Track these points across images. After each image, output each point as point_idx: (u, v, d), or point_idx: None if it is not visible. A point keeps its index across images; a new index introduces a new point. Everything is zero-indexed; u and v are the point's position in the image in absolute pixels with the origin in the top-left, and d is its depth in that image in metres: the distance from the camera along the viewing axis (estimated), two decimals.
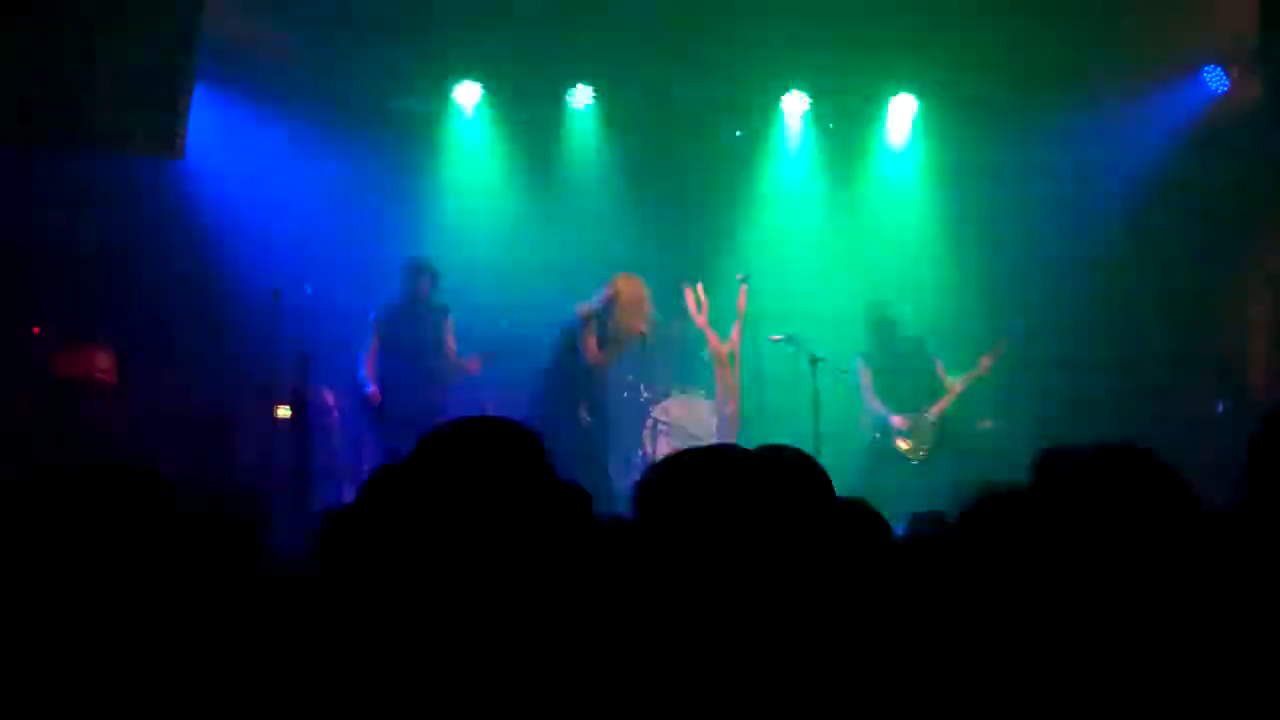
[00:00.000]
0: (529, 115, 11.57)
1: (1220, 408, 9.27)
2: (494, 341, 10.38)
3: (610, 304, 9.29)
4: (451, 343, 9.94)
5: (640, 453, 10.87)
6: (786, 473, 3.43)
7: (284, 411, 9.59)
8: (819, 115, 11.80)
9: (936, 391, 10.08)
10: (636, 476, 3.88)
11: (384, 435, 9.67)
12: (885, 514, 4.53)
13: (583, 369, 9.26)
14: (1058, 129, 10.78)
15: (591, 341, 9.26)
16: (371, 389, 9.67)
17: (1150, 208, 10.69)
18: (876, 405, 10.03)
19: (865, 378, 10.12)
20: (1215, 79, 10.46)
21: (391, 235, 11.29)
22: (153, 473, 3.43)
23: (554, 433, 9.07)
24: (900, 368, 10.00)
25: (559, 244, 10.99)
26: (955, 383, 10.11)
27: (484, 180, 11.71)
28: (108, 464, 3.45)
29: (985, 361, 9.94)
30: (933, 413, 9.86)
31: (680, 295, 10.05)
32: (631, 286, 9.34)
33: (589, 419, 9.40)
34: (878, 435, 9.98)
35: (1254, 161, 9.43)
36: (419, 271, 9.93)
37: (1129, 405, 9.75)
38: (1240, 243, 10.65)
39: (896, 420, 9.89)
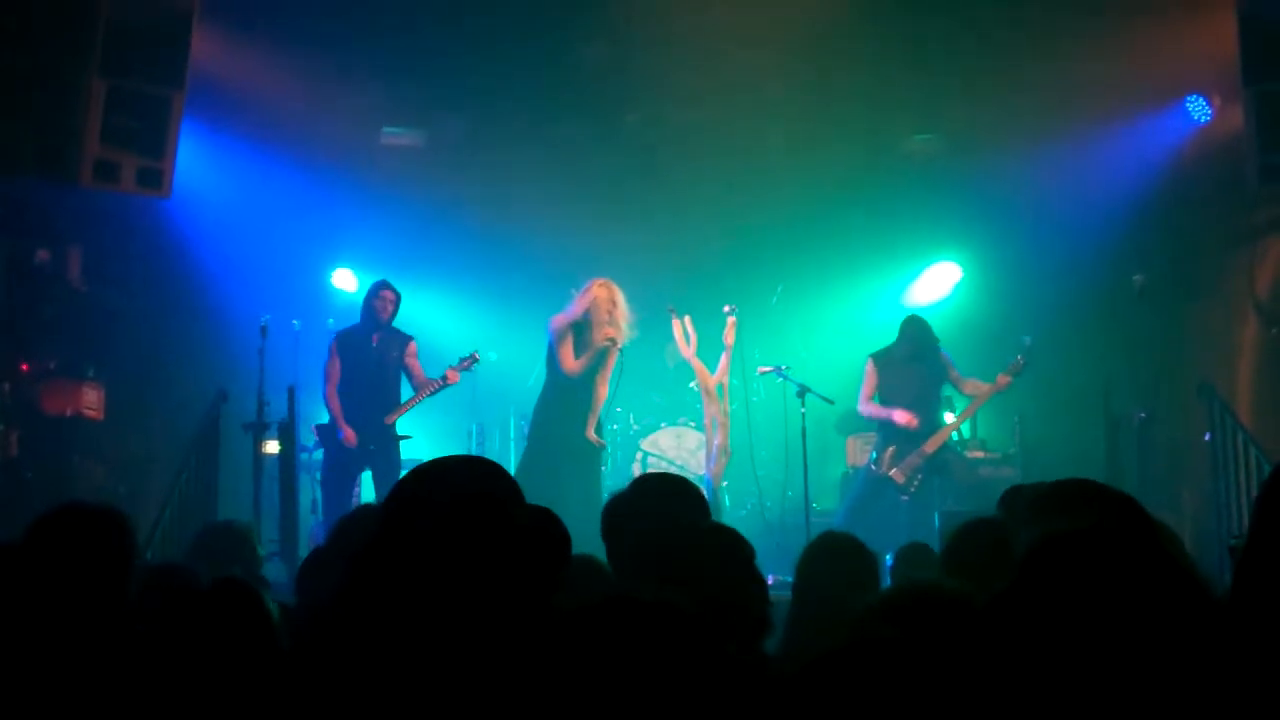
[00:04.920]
0: (517, 149, 11.58)
1: (1208, 436, 9.27)
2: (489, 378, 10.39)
3: (586, 310, 9.22)
4: (417, 366, 9.84)
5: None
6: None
7: (271, 446, 9.57)
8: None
9: (940, 412, 10.07)
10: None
11: (341, 461, 9.64)
12: (874, 545, 4.57)
13: (576, 388, 9.18)
14: (1042, 159, 10.82)
15: (568, 351, 9.18)
16: (347, 432, 9.57)
17: (1137, 235, 10.72)
18: (872, 409, 9.96)
19: (868, 385, 10.03)
20: (1198, 108, 10.51)
21: (380, 269, 11.29)
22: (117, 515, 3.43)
23: (555, 459, 9.00)
24: (916, 377, 9.93)
25: (547, 276, 10.98)
26: (967, 405, 10.08)
27: (471, 213, 11.71)
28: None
29: (1002, 379, 9.74)
30: (928, 446, 9.78)
31: (669, 327, 10.03)
32: (605, 291, 9.27)
33: (601, 440, 9.37)
34: (873, 467, 9.92)
35: (1238, 189, 9.47)
36: (379, 290, 9.84)
37: (1116, 433, 9.75)
38: (1227, 270, 10.68)
39: (899, 416, 9.76)
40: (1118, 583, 1.97)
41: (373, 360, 9.72)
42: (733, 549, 3.10)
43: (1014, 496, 4.37)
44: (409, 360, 9.81)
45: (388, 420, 9.66)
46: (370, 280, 10.44)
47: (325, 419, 9.80)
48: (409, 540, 2.31)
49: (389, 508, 2.41)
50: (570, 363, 9.14)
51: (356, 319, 9.93)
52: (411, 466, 9.70)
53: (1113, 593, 1.96)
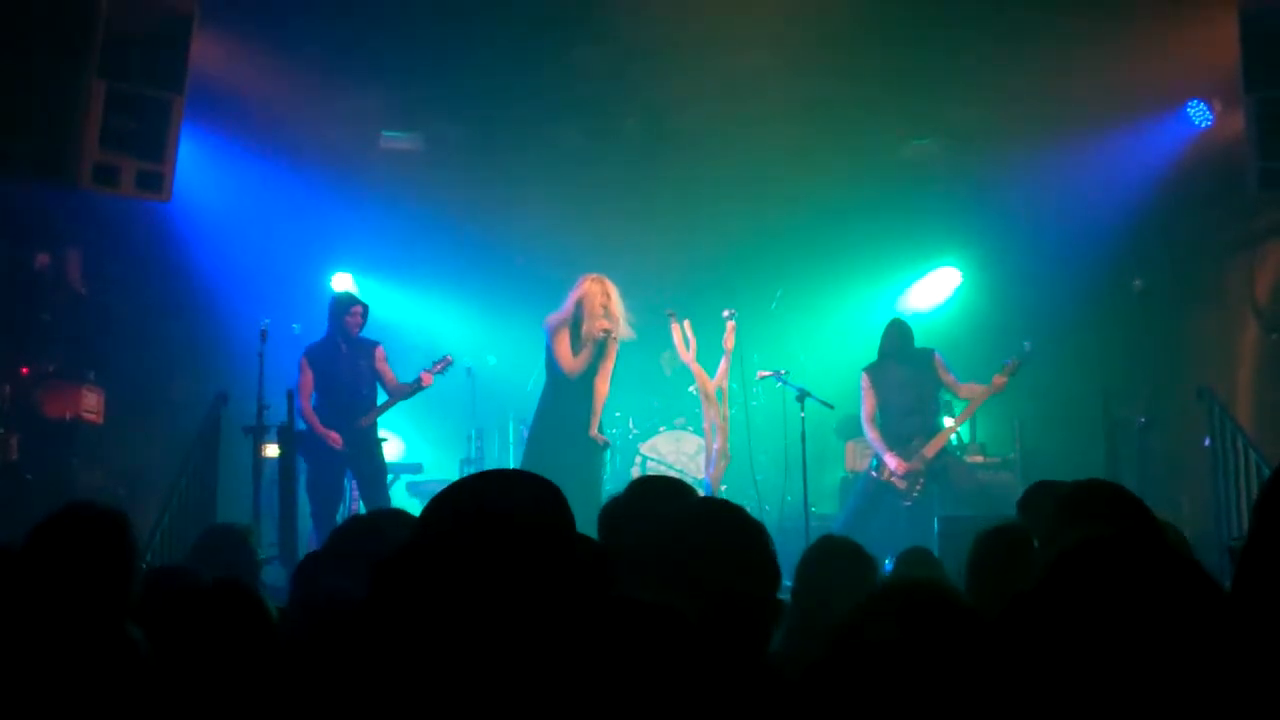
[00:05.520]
0: (517, 152, 11.58)
1: (1207, 441, 9.27)
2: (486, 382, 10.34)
3: (578, 306, 9.19)
4: (388, 371, 9.86)
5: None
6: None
7: (271, 450, 9.56)
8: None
9: (938, 415, 10.03)
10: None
11: (323, 466, 9.63)
12: (874, 549, 4.57)
13: (575, 387, 9.14)
14: (1043, 165, 10.82)
15: (565, 349, 9.13)
16: (331, 435, 9.59)
17: (1137, 240, 10.73)
18: (873, 434, 9.92)
19: (868, 401, 9.96)
20: (1199, 113, 10.51)
21: (381, 273, 11.30)
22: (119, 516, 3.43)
23: (556, 460, 8.93)
24: (907, 383, 9.89)
25: (546, 280, 10.97)
26: (964, 407, 10.03)
27: (470, 217, 11.71)
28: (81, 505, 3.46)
29: (998, 380, 9.69)
30: (928, 451, 9.75)
31: (668, 331, 10.01)
32: (597, 285, 9.23)
33: (605, 440, 9.34)
34: (874, 473, 9.90)
35: (1238, 194, 9.47)
36: (349, 307, 9.84)
37: (1115, 438, 9.75)
38: (1227, 274, 10.69)
39: (891, 460, 9.77)
40: (1147, 589, 1.98)
41: (345, 369, 9.75)
42: (747, 531, 3.07)
43: (1039, 496, 4.36)
44: (380, 366, 9.84)
45: (362, 423, 9.69)
46: (369, 283, 10.44)
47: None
48: (434, 554, 2.30)
49: (421, 521, 2.40)
50: (569, 361, 9.11)
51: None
52: (408, 470, 9.71)
53: (1141, 599, 1.97)
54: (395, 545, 2.39)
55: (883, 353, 10.02)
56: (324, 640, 2.80)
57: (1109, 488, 3.38)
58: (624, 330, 9.26)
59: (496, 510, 2.30)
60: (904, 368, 9.89)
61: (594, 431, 9.18)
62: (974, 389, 9.84)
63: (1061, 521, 3.32)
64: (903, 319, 10.24)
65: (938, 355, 9.96)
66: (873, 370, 10.03)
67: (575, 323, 9.16)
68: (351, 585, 3.33)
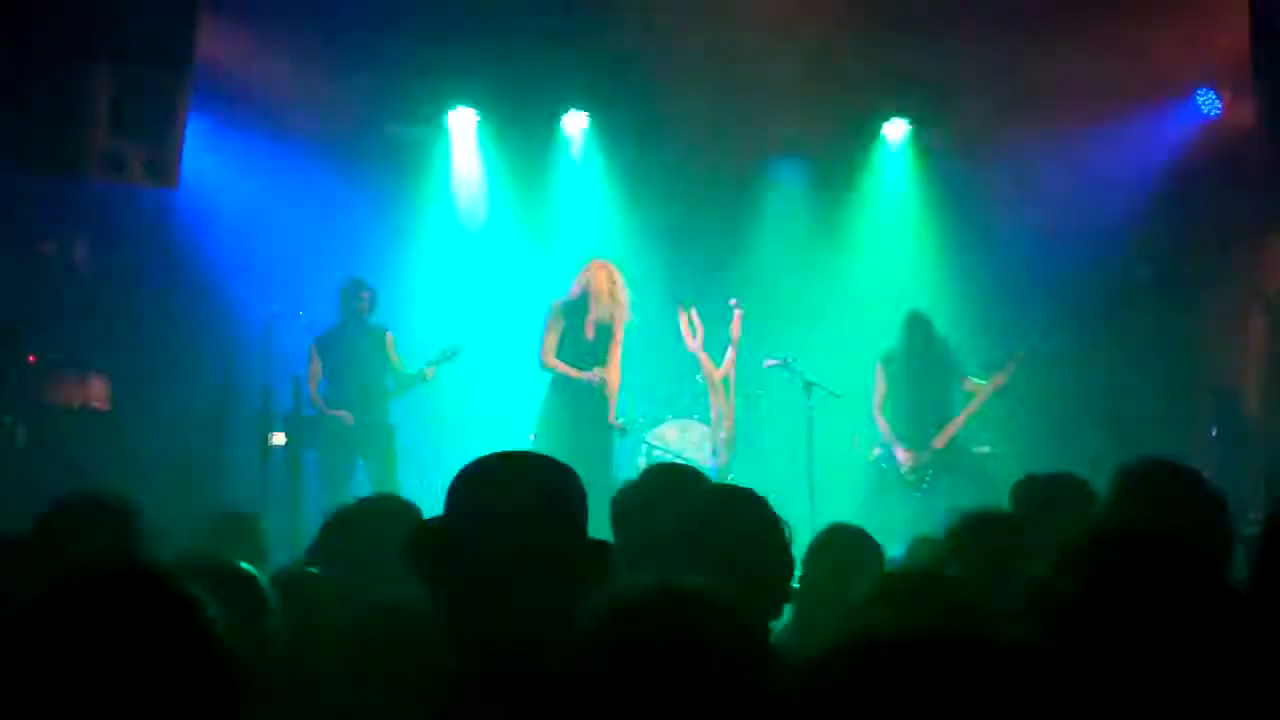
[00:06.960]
0: (524, 140, 11.58)
1: (1214, 433, 9.25)
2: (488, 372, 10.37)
3: (584, 293, 9.17)
4: (395, 359, 9.86)
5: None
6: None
7: (278, 438, 9.56)
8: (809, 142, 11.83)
9: (952, 407, 9.94)
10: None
11: (331, 454, 9.63)
12: (883, 537, 4.56)
13: (584, 379, 9.12)
14: (1051, 154, 10.79)
15: (551, 342, 9.11)
16: (342, 412, 9.59)
17: (1144, 229, 10.71)
18: (882, 424, 9.89)
19: (879, 389, 9.89)
20: (1208, 102, 10.48)
21: (386, 261, 11.28)
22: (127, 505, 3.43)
23: (567, 440, 8.92)
24: (923, 376, 9.81)
25: (552, 269, 10.97)
26: (967, 404, 9.96)
27: (478, 206, 11.71)
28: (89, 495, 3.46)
29: (999, 378, 9.71)
30: (937, 442, 9.70)
31: (675, 319, 10.00)
32: (604, 270, 9.21)
33: (620, 425, 9.31)
34: (884, 466, 9.87)
35: (1247, 183, 9.45)
36: (357, 291, 9.83)
37: (1124, 430, 9.73)
38: (1235, 267, 10.66)
39: (900, 453, 9.73)
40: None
41: (354, 355, 9.74)
42: (764, 516, 3.08)
43: (1028, 488, 4.37)
44: (388, 354, 9.85)
45: (372, 412, 9.69)
46: (377, 269, 10.42)
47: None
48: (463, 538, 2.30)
49: (448, 505, 2.42)
50: (548, 356, 9.10)
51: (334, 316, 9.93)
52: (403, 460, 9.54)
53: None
54: (389, 536, 2.38)
55: (899, 346, 9.95)
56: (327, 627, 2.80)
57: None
58: (625, 314, 9.24)
59: (519, 498, 2.31)
60: (921, 362, 9.82)
61: (611, 418, 9.18)
62: (976, 385, 9.82)
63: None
64: (920, 311, 10.10)
65: (954, 353, 9.91)
66: (887, 362, 9.95)
67: (578, 307, 9.14)
68: (347, 575, 3.34)
